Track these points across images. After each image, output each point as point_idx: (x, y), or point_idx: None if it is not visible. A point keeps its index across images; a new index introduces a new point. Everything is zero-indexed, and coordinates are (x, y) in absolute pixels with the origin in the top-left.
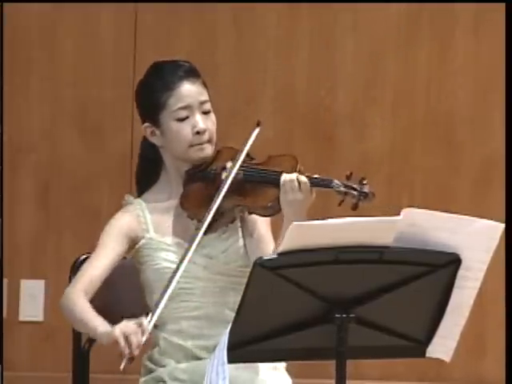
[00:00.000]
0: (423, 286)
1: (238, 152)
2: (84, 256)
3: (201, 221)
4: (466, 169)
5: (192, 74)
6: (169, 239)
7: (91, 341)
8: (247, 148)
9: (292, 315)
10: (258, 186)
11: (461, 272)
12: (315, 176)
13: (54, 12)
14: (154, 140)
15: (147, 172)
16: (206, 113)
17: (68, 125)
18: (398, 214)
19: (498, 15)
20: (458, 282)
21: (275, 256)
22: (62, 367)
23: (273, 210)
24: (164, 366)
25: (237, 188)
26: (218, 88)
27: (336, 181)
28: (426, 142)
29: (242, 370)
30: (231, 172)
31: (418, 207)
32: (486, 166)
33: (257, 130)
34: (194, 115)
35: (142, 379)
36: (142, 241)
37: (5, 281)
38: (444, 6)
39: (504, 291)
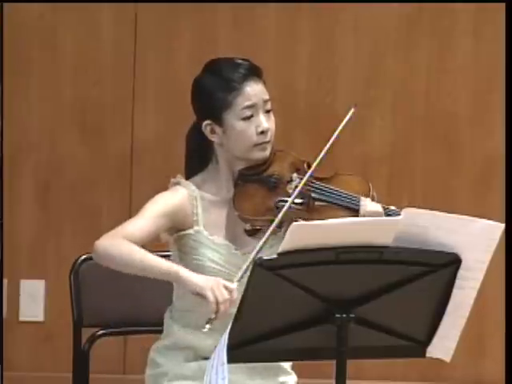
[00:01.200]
0: (423, 285)
1: (301, 163)
2: (84, 256)
3: (254, 226)
4: (466, 169)
5: (255, 72)
6: (217, 239)
7: (91, 341)
8: (316, 164)
9: (292, 315)
10: (329, 206)
11: (461, 272)
12: (388, 207)
13: (54, 12)
14: (213, 138)
15: (195, 160)
16: (268, 111)
17: (68, 125)
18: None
19: (498, 15)
20: (458, 282)
21: (275, 256)
22: (62, 367)
23: None
24: (171, 362)
25: (304, 203)
26: None
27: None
28: (426, 142)
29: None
30: (297, 188)
31: (418, 207)
32: (486, 166)
33: (352, 111)
34: (258, 114)
35: (149, 372)
36: (190, 231)
37: (5, 281)
38: (444, 6)
39: (504, 291)
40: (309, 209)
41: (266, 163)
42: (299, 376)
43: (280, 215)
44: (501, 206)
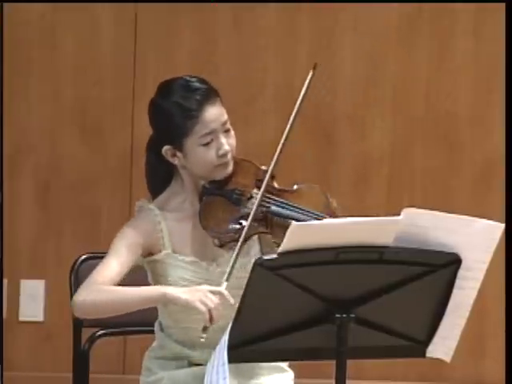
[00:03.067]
0: (423, 286)
1: (261, 173)
2: (84, 256)
3: (222, 240)
4: (466, 169)
5: (211, 95)
6: (187, 258)
7: (91, 341)
8: (269, 173)
9: (292, 315)
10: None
11: (461, 272)
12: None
13: (54, 12)
14: (174, 161)
15: (158, 179)
16: (227, 131)
17: (68, 125)
18: (398, 214)
19: (498, 15)
20: (458, 282)
21: (275, 256)
22: (62, 367)
23: None
24: (165, 370)
25: (265, 219)
26: (218, 88)
27: None
28: (426, 142)
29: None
30: (257, 203)
31: (418, 207)
32: (486, 166)
33: (310, 74)
34: (218, 138)
35: (143, 379)
36: (159, 254)
37: (5, 281)
38: (444, 6)
39: (504, 291)
40: (271, 226)
41: (229, 176)
42: (299, 376)
43: (242, 237)
44: (501, 206)
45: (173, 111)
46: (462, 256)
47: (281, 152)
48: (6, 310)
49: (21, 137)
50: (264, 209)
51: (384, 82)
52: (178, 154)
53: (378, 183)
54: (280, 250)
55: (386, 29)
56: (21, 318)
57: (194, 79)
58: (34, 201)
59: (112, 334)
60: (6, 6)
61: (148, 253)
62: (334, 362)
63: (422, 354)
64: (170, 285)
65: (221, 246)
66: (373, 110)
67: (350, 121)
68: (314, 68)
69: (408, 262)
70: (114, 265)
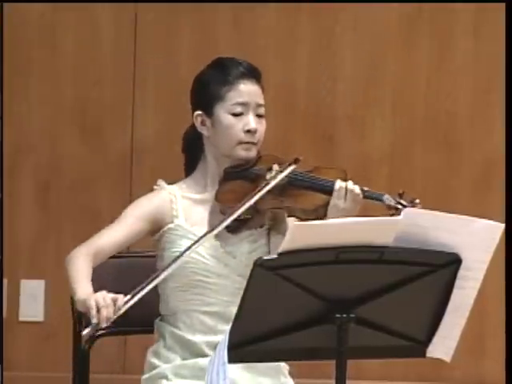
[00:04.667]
0: (423, 286)
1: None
2: None
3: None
4: (466, 169)
5: (254, 73)
6: (197, 230)
7: (91, 341)
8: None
9: (292, 315)
10: (304, 190)
11: (461, 272)
12: (366, 189)
13: (54, 12)
14: (203, 130)
15: (187, 161)
16: (259, 116)
17: (68, 125)
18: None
19: (498, 15)
20: (458, 282)
21: (275, 256)
22: (62, 367)
23: (315, 215)
24: (169, 362)
25: (280, 190)
26: None
27: (387, 195)
28: (426, 142)
29: (242, 369)
30: (278, 174)
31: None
32: (486, 166)
33: (291, 168)
34: (248, 114)
35: (145, 376)
36: (170, 225)
37: (5, 281)
38: (444, 6)
39: (504, 291)
40: (283, 194)
41: (250, 163)
42: (299, 376)
43: (257, 196)
44: (501, 206)
45: (213, 77)
46: (462, 256)
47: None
48: (6, 310)
49: (21, 137)
50: (284, 181)
51: (384, 81)
52: (207, 121)
53: (377, 183)
54: (280, 250)
55: (386, 29)
56: (21, 318)
57: (244, 61)
58: (33, 201)
59: (112, 333)
60: (5, 5)
61: (159, 226)
62: (333, 362)
63: (422, 354)
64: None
65: (233, 228)
66: (373, 110)
67: (350, 121)
68: (296, 163)
69: (408, 262)
70: (114, 234)
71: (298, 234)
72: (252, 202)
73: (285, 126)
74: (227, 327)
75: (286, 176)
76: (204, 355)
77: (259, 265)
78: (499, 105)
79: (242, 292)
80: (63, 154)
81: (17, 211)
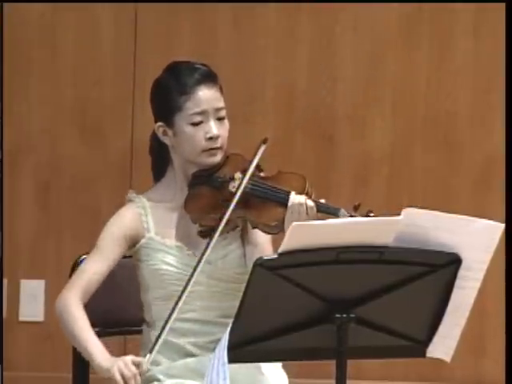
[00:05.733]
0: (423, 286)
1: (248, 163)
2: (84, 256)
3: (203, 226)
4: (465, 169)
5: (210, 78)
6: (169, 241)
7: None
8: (255, 162)
9: (292, 315)
10: (264, 203)
11: (461, 272)
12: (322, 201)
13: (54, 12)
14: (165, 140)
15: (154, 167)
16: (220, 119)
17: (68, 125)
18: (398, 214)
19: (498, 15)
20: (458, 282)
21: (275, 256)
22: (62, 367)
23: (276, 229)
24: (158, 365)
25: (243, 200)
26: None
27: (343, 210)
28: (426, 142)
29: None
30: (240, 185)
31: (418, 207)
32: (486, 166)
33: (263, 148)
34: (208, 121)
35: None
36: (143, 240)
37: (5, 281)
38: (444, 6)
39: (504, 291)
40: (247, 206)
41: (216, 166)
42: (299, 376)
43: (226, 215)
44: (501, 206)
45: (169, 85)
46: (462, 256)
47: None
48: (6, 310)
49: (21, 137)
50: (246, 190)
51: (384, 82)
52: (169, 132)
53: (377, 183)
54: (280, 250)
55: (386, 29)
56: (21, 318)
57: (198, 63)
58: (34, 201)
59: (112, 333)
60: (5, 5)
61: (134, 242)
62: (333, 362)
63: (422, 354)
64: (153, 269)
65: (204, 233)
66: (373, 110)
67: (350, 121)
68: (264, 142)
69: (408, 262)
70: (101, 259)
71: (298, 234)
72: (225, 219)
73: (285, 126)
74: (210, 329)
75: (248, 184)
76: (192, 355)
77: (259, 265)
78: (499, 105)
79: (220, 295)
80: (63, 154)
81: (17, 211)
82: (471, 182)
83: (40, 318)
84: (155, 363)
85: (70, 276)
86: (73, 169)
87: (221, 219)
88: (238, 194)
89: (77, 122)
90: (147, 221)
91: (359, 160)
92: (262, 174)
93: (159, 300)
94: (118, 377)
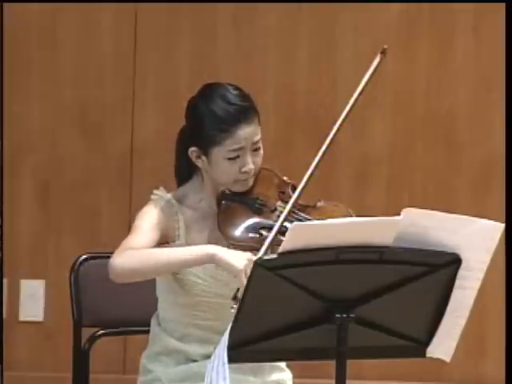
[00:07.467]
0: (423, 286)
1: (289, 188)
2: (84, 256)
3: (239, 248)
4: (465, 169)
5: (249, 114)
6: None
7: (91, 341)
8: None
9: (292, 315)
10: None
11: (461, 272)
12: None
13: (54, 12)
14: (197, 163)
15: (179, 172)
16: (256, 150)
17: (68, 125)
18: (398, 214)
19: (498, 15)
20: (458, 282)
21: (275, 256)
22: (62, 367)
23: None
24: (162, 367)
25: (283, 232)
26: None
27: None
28: (426, 142)
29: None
30: (281, 218)
31: (418, 207)
32: (486, 166)
33: (378, 58)
34: (244, 155)
35: (141, 379)
36: (174, 244)
37: (5, 281)
38: (444, 6)
39: (504, 291)
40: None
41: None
42: (299, 376)
43: (263, 248)
44: (501, 206)
45: (208, 118)
46: (462, 256)
47: (315, 169)
48: (6, 310)
49: (21, 137)
50: (288, 223)
51: (384, 82)
52: (203, 157)
53: (378, 183)
54: (280, 250)
55: (386, 29)
56: (21, 318)
57: (236, 92)
58: (34, 200)
59: (112, 333)
60: (5, 5)
61: (164, 239)
62: (333, 362)
63: (422, 354)
64: (181, 279)
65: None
66: (373, 110)
67: (350, 121)
68: (382, 52)
69: (408, 262)
70: (141, 240)
71: (298, 234)
72: (269, 241)
73: (285, 126)
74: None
75: (290, 218)
76: (196, 360)
77: (259, 265)
78: (499, 105)
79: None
80: (63, 154)
81: (17, 211)
82: (471, 182)
83: (40, 318)
84: (160, 365)
85: (70, 276)
86: (73, 169)
87: (259, 248)
88: (279, 223)
89: (77, 122)
90: (179, 226)
91: (359, 160)
92: (299, 201)
93: (179, 305)
94: (245, 282)
